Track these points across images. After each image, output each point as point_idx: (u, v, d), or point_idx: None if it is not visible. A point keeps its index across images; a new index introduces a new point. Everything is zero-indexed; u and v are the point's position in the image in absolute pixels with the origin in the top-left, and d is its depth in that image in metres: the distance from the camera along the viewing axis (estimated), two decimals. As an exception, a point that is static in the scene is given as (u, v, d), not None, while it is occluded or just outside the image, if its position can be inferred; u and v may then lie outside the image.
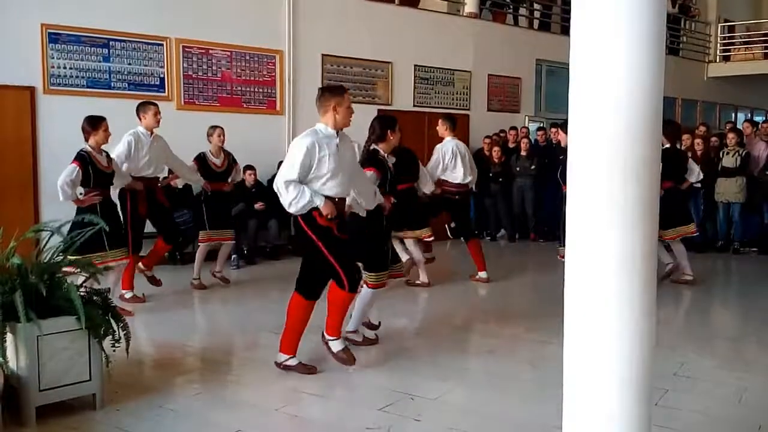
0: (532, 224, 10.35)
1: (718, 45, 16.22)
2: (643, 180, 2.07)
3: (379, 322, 4.99)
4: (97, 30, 7.56)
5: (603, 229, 2.09)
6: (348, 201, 4.25)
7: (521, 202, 10.22)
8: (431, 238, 6.62)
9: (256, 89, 8.80)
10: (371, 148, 4.83)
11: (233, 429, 3.32)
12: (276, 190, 3.91)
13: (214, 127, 6.65)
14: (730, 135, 9.09)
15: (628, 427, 2.14)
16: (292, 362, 4.15)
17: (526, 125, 11.44)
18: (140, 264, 6.10)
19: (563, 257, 5.39)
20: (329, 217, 3.92)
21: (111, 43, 7.67)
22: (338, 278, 4.01)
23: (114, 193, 5.75)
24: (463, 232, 7.33)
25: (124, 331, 3.60)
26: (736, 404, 3.65)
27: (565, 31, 1.96)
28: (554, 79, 12.13)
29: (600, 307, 2.12)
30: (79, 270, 3.74)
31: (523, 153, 10.11)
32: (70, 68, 7.43)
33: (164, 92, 8.02)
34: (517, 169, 10.10)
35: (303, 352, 4.23)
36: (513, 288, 7.18)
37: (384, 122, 4.92)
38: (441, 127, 6.88)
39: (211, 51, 8.42)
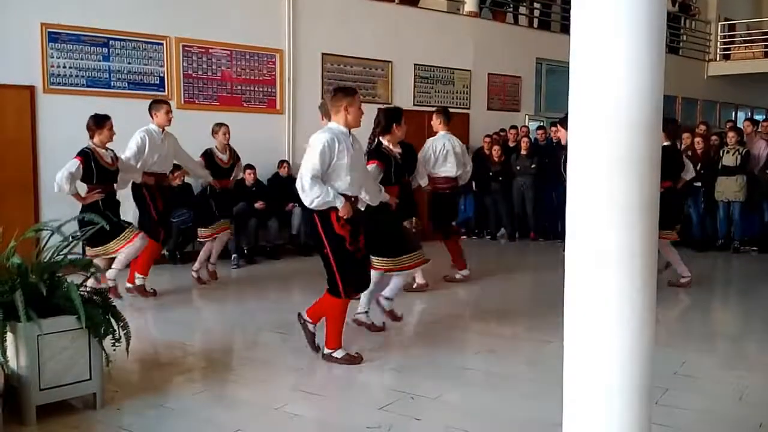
0: (532, 223, 10.35)
1: (719, 44, 16.22)
2: (644, 179, 2.07)
3: (402, 314, 5.12)
4: (97, 29, 7.55)
5: (603, 228, 2.09)
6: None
7: (521, 201, 10.22)
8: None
9: (256, 88, 8.80)
10: (376, 140, 4.91)
11: (233, 428, 3.32)
12: (299, 187, 3.98)
13: (219, 125, 6.80)
14: (731, 134, 9.08)
15: (628, 425, 2.14)
16: (339, 354, 4.26)
17: (526, 124, 11.44)
18: (136, 273, 6.07)
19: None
20: (346, 218, 4.03)
21: (111, 42, 7.67)
22: (334, 284, 4.12)
23: (123, 191, 5.87)
24: (444, 228, 6.95)
25: (124, 331, 3.60)
26: (736, 402, 3.65)
27: (566, 29, 1.96)
28: (554, 78, 12.12)
29: (600, 306, 2.12)
30: (89, 270, 3.75)
31: (523, 152, 10.10)
32: (70, 67, 7.43)
33: (164, 91, 8.02)
34: (517, 168, 10.10)
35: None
36: (513, 287, 7.18)
37: (389, 115, 5.00)
38: (435, 121, 6.81)
39: (211, 50, 8.41)
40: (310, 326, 4.43)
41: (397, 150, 5.08)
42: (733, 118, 15.10)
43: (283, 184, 8.45)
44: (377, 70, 9.96)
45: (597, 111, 2.08)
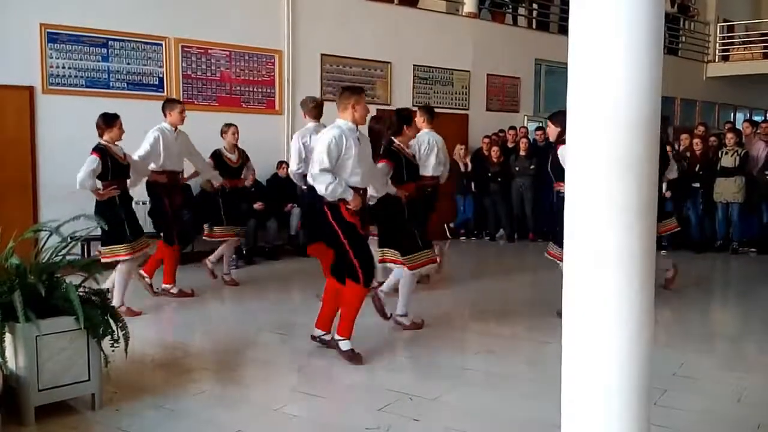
0: (531, 224, 10.36)
1: (717, 45, 16.23)
2: (642, 179, 2.07)
3: (392, 314, 5.20)
4: (96, 30, 7.56)
5: (601, 228, 2.09)
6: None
7: (520, 201, 10.23)
8: None
9: (255, 89, 8.80)
10: (388, 140, 5.13)
11: (232, 429, 3.32)
12: (310, 180, 4.27)
13: (228, 125, 6.90)
14: (729, 135, 9.09)
15: (627, 426, 2.14)
16: (345, 345, 4.35)
17: (525, 125, 11.44)
18: (140, 271, 6.12)
19: (554, 255, 5.40)
20: (356, 209, 4.23)
21: (110, 42, 7.67)
22: (354, 271, 4.25)
23: (135, 189, 5.89)
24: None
25: (123, 331, 3.59)
26: (735, 403, 3.65)
27: (564, 30, 1.97)
28: (553, 78, 12.13)
29: (599, 307, 2.12)
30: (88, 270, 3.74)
31: (522, 153, 10.10)
32: (69, 68, 7.42)
33: (163, 92, 8.02)
34: (516, 168, 10.10)
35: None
36: (512, 288, 7.18)
37: (401, 117, 5.19)
38: (419, 119, 6.69)
39: (210, 51, 8.41)
40: (327, 337, 4.54)
41: (410, 150, 5.27)
42: (732, 120, 15.13)
43: (282, 185, 8.45)
44: (376, 70, 9.97)
45: (595, 111, 2.08)
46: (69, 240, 3.75)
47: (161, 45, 8.02)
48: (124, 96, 7.63)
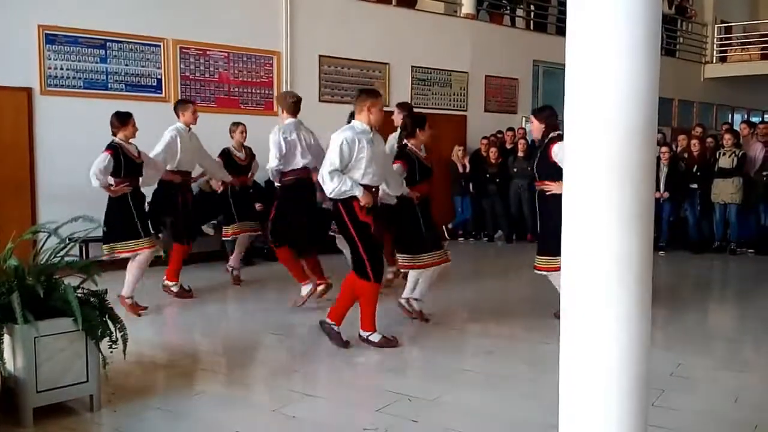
0: (529, 225, 10.35)
1: (715, 46, 16.27)
2: (639, 181, 2.08)
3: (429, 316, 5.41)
4: (94, 31, 7.55)
5: (599, 230, 2.10)
6: (380, 193, 4.75)
7: (518, 202, 10.23)
8: None
9: (253, 90, 8.80)
10: (402, 143, 5.30)
11: (231, 430, 3.32)
12: (320, 180, 4.45)
13: (236, 124, 7.17)
14: (727, 136, 9.11)
15: (625, 426, 2.15)
16: (375, 338, 4.60)
17: (523, 126, 11.44)
18: (165, 281, 6.25)
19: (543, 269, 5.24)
20: (368, 206, 4.42)
21: (108, 44, 7.67)
22: (363, 268, 4.44)
23: (146, 187, 5.97)
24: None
25: (121, 333, 3.59)
26: (732, 404, 3.66)
27: (562, 32, 1.98)
28: (551, 80, 12.14)
29: (597, 308, 2.12)
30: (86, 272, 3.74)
31: (520, 154, 10.11)
32: (67, 69, 7.42)
33: (161, 93, 8.02)
34: (515, 170, 10.11)
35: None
36: (511, 288, 7.19)
37: (415, 120, 5.34)
38: (398, 116, 6.57)
39: (208, 52, 8.42)
40: (335, 328, 4.66)
41: (422, 152, 5.37)
42: (730, 121, 15.14)
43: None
44: (374, 72, 9.97)
45: (593, 112, 2.09)
46: (67, 241, 3.75)
47: (159, 46, 8.02)
48: (122, 97, 7.62)
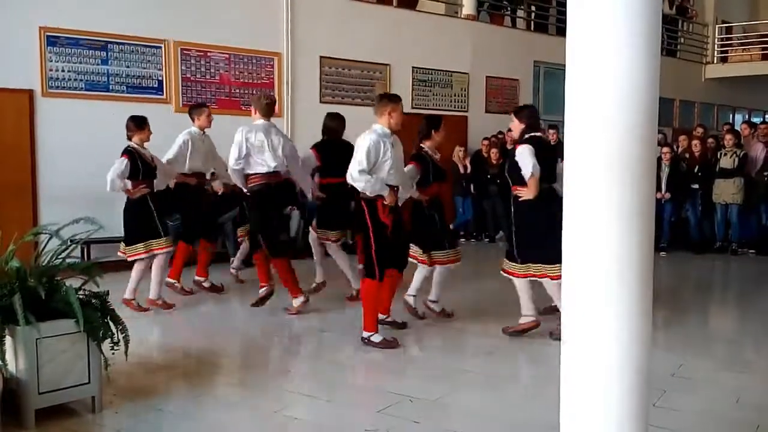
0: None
1: (716, 46, 16.26)
2: (640, 178, 2.08)
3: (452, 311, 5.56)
4: (96, 33, 7.57)
5: (600, 230, 2.10)
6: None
7: (519, 203, 10.22)
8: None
9: (254, 92, 8.81)
10: (418, 145, 5.38)
11: (233, 431, 3.32)
12: (349, 179, 4.61)
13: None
14: (728, 136, 9.11)
15: (626, 427, 2.15)
16: (376, 338, 4.67)
17: (524, 127, 11.44)
18: (196, 277, 6.50)
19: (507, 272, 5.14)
20: (391, 204, 4.60)
21: (109, 45, 7.68)
22: (371, 267, 4.61)
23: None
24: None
25: (123, 334, 3.60)
26: (733, 405, 3.65)
27: (563, 32, 1.98)
28: (552, 80, 12.15)
29: (598, 308, 2.12)
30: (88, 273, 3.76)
31: (521, 154, 10.09)
32: (69, 71, 7.43)
33: (162, 95, 8.03)
34: (516, 170, 10.09)
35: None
36: (511, 289, 7.17)
37: (429, 122, 5.43)
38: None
39: (209, 53, 8.43)
40: (388, 320, 5.01)
41: (436, 154, 5.47)
42: (731, 121, 15.14)
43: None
44: (375, 73, 9.98)
45: (593, 113, 2.09)
46: (69, 243, 3.76)
47: (160, 48, 8.03)
48: (123, 99, 7.63)
